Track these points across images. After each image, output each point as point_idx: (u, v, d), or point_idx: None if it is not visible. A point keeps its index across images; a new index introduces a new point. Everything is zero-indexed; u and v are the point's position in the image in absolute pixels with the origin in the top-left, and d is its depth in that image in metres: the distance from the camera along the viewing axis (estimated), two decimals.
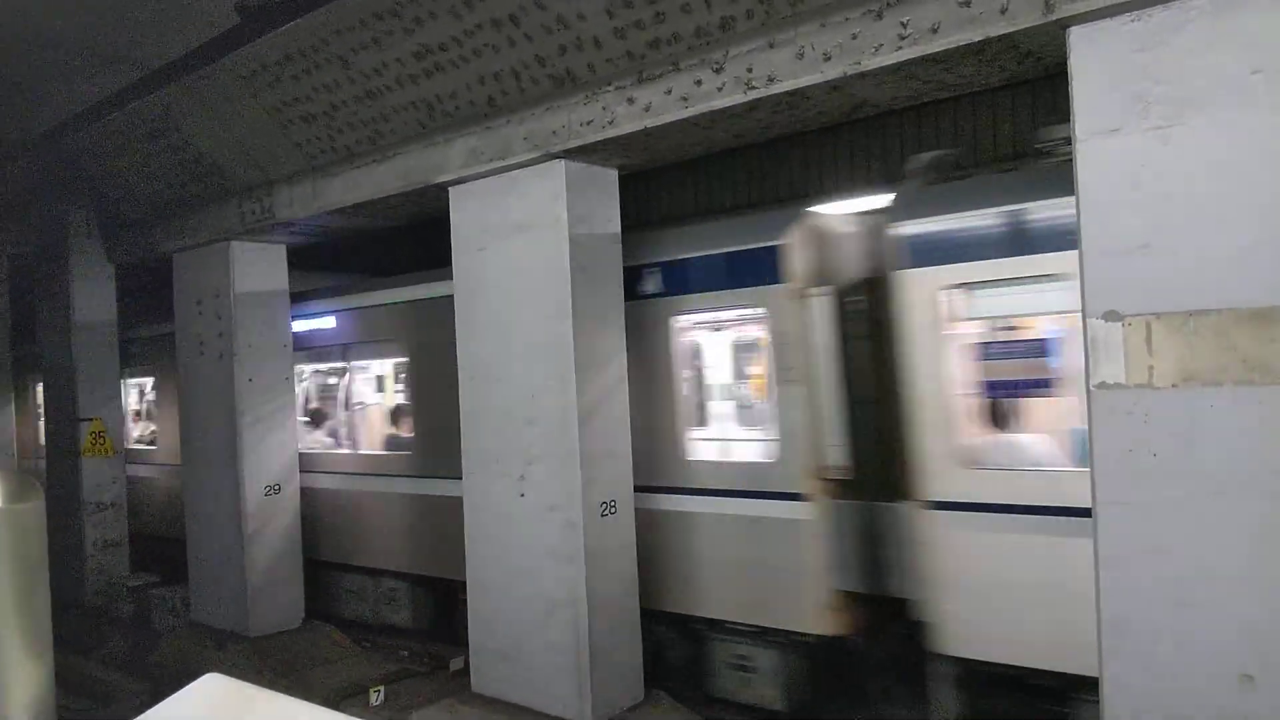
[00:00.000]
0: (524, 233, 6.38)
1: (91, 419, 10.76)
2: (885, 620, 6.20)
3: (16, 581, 2.00)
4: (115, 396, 11.22)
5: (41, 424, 13.13)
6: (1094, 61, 3.98)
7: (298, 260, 9.74)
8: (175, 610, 9.99)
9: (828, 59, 4.76)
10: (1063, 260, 4.73)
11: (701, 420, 7.55)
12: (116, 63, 7.29)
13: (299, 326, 9.72)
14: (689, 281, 6.76)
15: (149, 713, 2.01)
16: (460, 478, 6.89)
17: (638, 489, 6.58)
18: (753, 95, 5.08)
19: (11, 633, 1.99)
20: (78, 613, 10.20)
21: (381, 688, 7.29)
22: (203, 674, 2.15)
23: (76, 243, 10.77)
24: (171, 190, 9.31)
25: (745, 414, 7.91)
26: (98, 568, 10.82)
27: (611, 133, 5.74)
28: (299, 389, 10.05)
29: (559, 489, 6.18)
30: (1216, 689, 3.71)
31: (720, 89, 5.20)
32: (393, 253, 10.70)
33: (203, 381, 9.38)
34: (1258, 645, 3.63)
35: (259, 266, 9.15)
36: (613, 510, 6.32)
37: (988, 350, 5.75)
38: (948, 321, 5.47)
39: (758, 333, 6.99)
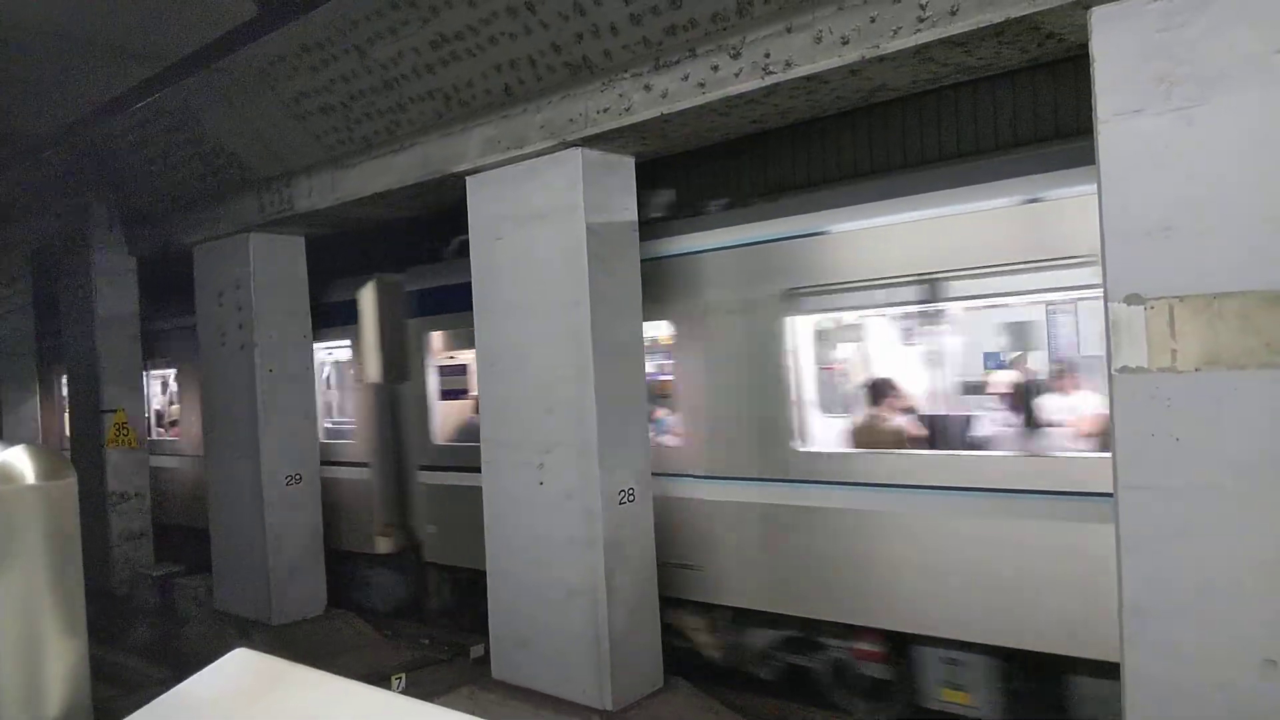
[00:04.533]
0: (541, 221, 6.39)
1: (115, 410, 10.90)
2: None
3: (50, 558, 2.03)
4: (138, 388, 11.33)
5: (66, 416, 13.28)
6: (1116, 42, 3.93)
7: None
8: (199, 599, 10.11)
9: (846, 43, 4.73)
10: None
11: None
12: (135, 57, 7.33)
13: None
14: None
15: (179, 687, 2.04)
16: None
17: None
18: (770, 80, 5.06)
19: (46, 608, 2.02)
20: (103, 602, 10.32)
21: (403, 675, 7.35)
22: None
23: (98, 236, 10.86)
24: (191, 183, 9.37)
25: None
26: (122, 557, 10.95)
27: (628, 120, 5.73)
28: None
29: (577, 477, 6.20)
30: (1239, 675, 3.68)
31: (738, 74, 5.18)
32: None
33: (224, 372, 9.46)
34: None
35: (279, 258, 9.21)
36: (630, 498, 6.33)
37: None
38: None
39: None
